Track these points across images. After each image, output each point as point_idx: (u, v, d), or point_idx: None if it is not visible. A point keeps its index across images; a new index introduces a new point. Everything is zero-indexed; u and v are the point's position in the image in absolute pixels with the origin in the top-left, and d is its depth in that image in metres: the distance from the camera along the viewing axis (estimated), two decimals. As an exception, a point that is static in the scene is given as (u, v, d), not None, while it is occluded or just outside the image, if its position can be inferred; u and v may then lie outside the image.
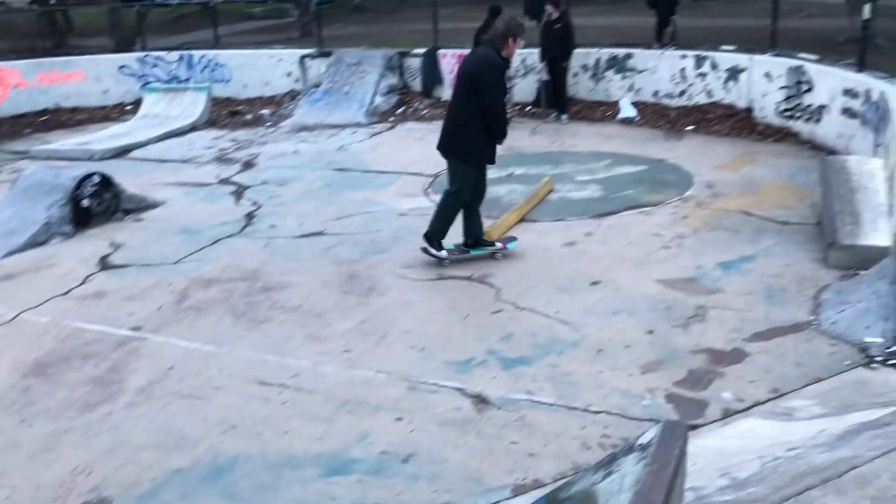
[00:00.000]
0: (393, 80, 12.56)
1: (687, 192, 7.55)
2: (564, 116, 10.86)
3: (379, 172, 8.73)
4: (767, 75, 9.70)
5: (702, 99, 10.61)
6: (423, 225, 6.20)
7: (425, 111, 12.00)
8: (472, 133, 5.60)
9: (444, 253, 5.89)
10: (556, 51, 10.53)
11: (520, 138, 10.06)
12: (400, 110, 12.00)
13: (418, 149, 9.75)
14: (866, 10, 8.23)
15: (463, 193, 5.82)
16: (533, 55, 11.76)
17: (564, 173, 8.35)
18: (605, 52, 11.40)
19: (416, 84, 12.69)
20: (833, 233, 5.75)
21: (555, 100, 10.95)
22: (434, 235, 5.88)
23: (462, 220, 5.94)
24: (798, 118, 9.29)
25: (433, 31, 12.86)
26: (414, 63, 12.67)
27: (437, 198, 6.43)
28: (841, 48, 10.51)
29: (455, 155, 5.75)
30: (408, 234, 6.67)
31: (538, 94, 11.48)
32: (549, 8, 10.49)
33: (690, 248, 6.16)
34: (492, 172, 8.26)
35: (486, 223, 6.60)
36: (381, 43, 14.72)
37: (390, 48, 13.34)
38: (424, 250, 5.90)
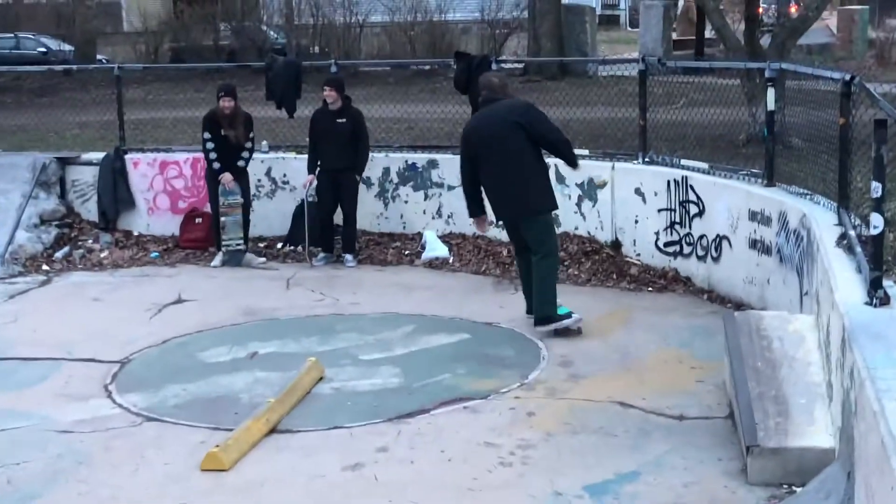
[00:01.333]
0: (48, 203, 12.51)
1: (532, 373, 7.80)
2: (350, 258, 11.23)
3: (23, 360, 8.49)
4: (639, 192, 10.56)
5: (548, 228, 11.37)
6: (105, 449, 6.44)
7: (105, 253, 11.97)
8: (543, 181, 8.53)
9: (574, 316, 8.57)
10: (342, 159, 10.96)
11: (266, 295, 10.21)
12: (61, 253, 11.92)
13: (93, 316, 9.67)
14: (771, 97, 9.27)
15: (554, 249, 8.69)
16: (284, 164, 12.16)
17: (341, 350, 8.45)
18: (398, 159, 12.04)
19: (90, 209, 12.69)
20: (752, 431, 6.05)
21: (325, 233, 11.28)
22: (550, 311, 8.48)
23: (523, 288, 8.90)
24: (687, 255, 10.09)
25: (118, 123, 13.04)
26: (85, 175, 12.73)
27: (129, 399, 7.50)
28: (741, 151, 11.80)
29: (536, 212, 8.51)
30: (75, 466, 6.38)
31: (296, 225, 11.72)
32: (327, 92, 11.03)
33: (542, 464, 6.26)
34: (223, 354, 8.24)
35: (213, 437, 6.59)
36: (30, 142, 14.58)
37: (43, 151, 13.27)
38: (555, 331, 8.48)
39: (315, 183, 11.21)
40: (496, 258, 11.06)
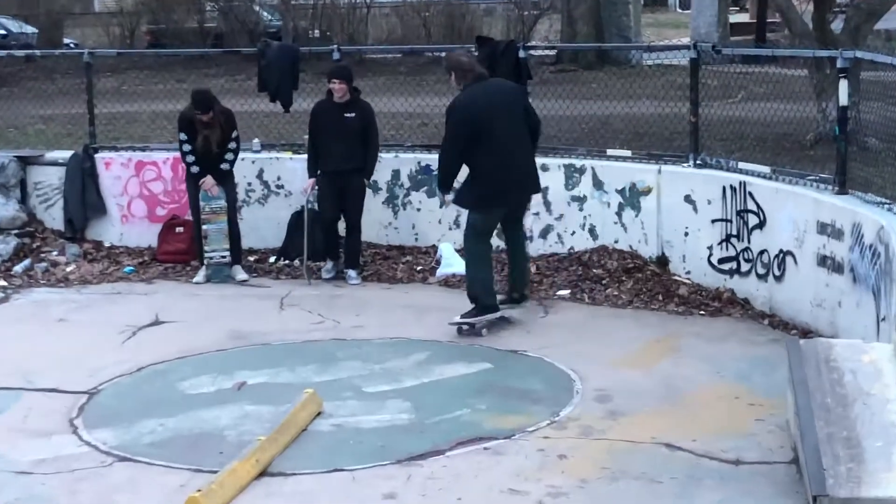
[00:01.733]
0: (7, 209, 12.58)
1: (564, 409, 7.79)
2: (353, 274, 11.26)
3: None
4: (689, 200, 10.56)
5: (581, 242, 11.33)
6: (69, 493, 6.51)
7: (71, 267, 12.01)
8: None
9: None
10: (350, 159, 11.01)
11: (257, 317, 10.23)
12: (20, 266, 11.95)
13: (57, 340, 9.69)
14: (843, 90, 9.25)
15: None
16: (278, 165, 12.21)
17: (343, 381, 8.45)
18: (409, 160, 12.07)
19: (55, 216, 12.75)
20: (819, 478, 6.02)
21: (328, 242, 11.32)
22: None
23: (510, 270, 9.97)
24: (745, 274, 10.07)
25: (88, 117, 13.06)
26: (49, 177, 12.77)
27: (97, 435, 7.52)
28: (809, 153, 11.77)
29: (540, 190, 10.19)
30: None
31: (292, 236, 11.76)
32: (337, 86, 11.06)
33: (575, 515, 6.25)
34: (206, 384, 8.30)
35: (194, 480, 6.60)
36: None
37: (1, 149, 13.34)
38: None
39: (316, 188, 11.24)
40: (523, 276, 11.09)
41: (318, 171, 11.18)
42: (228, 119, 11.36)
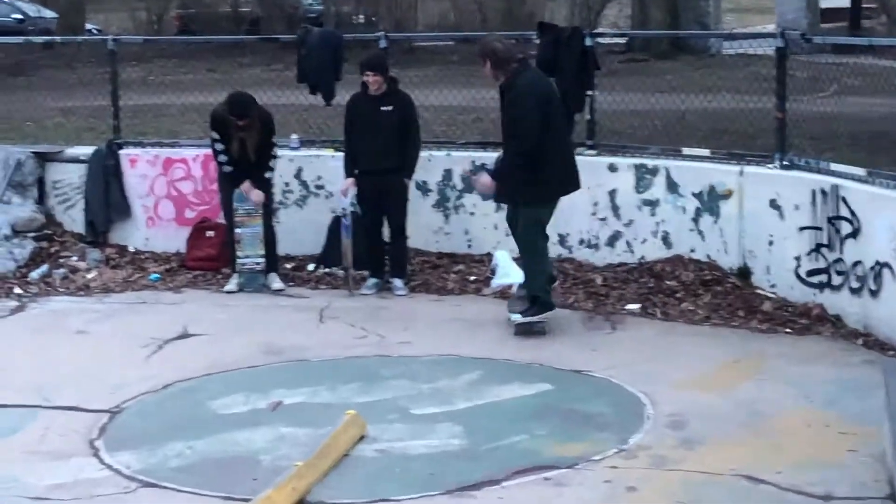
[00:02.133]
0: (23, 209, 12.69)
1: (633, 436, 7.77)
2: (400, 284, 11.30)
3: None
4: (775, 205, 10.51)
5: (653, 251, 11.30)
6: None
7: (92, 273, 12.10)
8: None
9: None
10: (388, 157, 11.06)
11: (294, 330, 10.27)
12: (38, 272, 12.05)
13: (77, 353, 9.76)
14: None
15: None
16: (319, 164, 12.29)
17: (388, 402, 8.46)
18: (462, 158, 12.05)
19: (75, 217, 12.89)
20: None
21: (373, 253, 11.37)
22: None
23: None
24: (837, 288, 9.99)
25: (112, 110, 13.20)
26: (70, 175, 12.91)
27: (120, 458, 7.53)
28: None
29: None
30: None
31: (333, 241, 11.81)
32: (371, 78, 11.09)
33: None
34: (238, 404, 8.34)
35: None
36: (0, 133, 14.78)
37: (17, 144, 13.46)
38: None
39: (355, 189, 11.30)
40: (587, 287, 11.07)
41: (356, 171, 11.23)
42: (267, 124, 11.40)
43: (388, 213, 11.22)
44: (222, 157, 11.30)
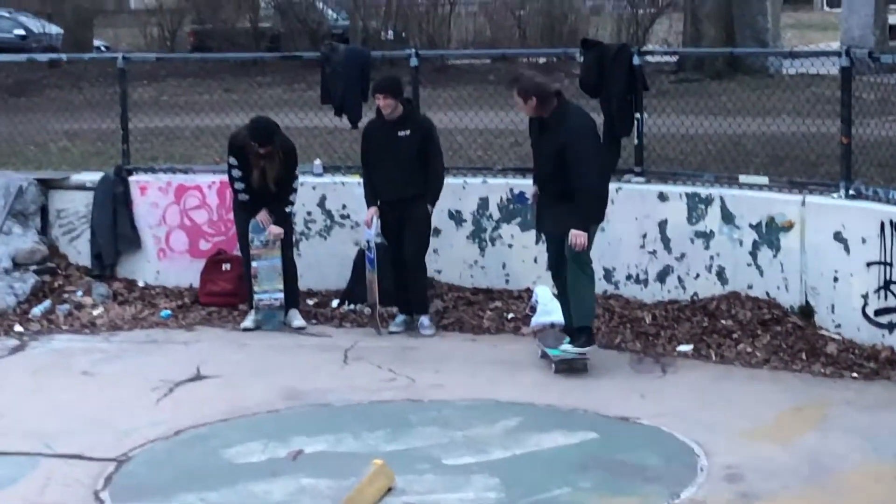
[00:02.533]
0: (25, 240, 12.72)
1: (685, 490, 7.73)
2: (426, 321, 11.30)
3: None
4: (840, 238, 10.45)
5: (706, 287, 11.27)
6: None
7: (99, 310, 12.14)
8: None
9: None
10: (408, 185, 11.10)
11: (316, 372, 10.27)
12: (40, 308, 12.10)
13: (82, 396, 9.78)
14: None
15: None
16: (344, 192, 12.35)
17: (418, 451, 8.46)
18: (499, 186, 12.09)
19: (80, 249, 12.92)
20: None
21: (399, 288, 11.39)
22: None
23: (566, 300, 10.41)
24: (911, 328, 9.96)
25: (121, 133, 13.24)
26: (75, 203, 12.97)
27: None
28: None
29: None
30: None
31: (358, 275, 11.85)
32: (382, 101, 11.12)
33: None
34: (256, 452, 8.36)
35: None
36: (1, 158, 14.85)
37: (19, 170, 13.53)
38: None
39: (378, 220, 11.30)
40: (635, 326, 11.05)
41: (378, 201, 11.26)
42: (289, 154, 11.41)
43: (408, 244, 11.17)
44: (239, 185, 11.33)
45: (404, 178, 11.04)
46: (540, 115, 10.02)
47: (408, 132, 11.09)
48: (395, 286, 11.37)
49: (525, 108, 10.06)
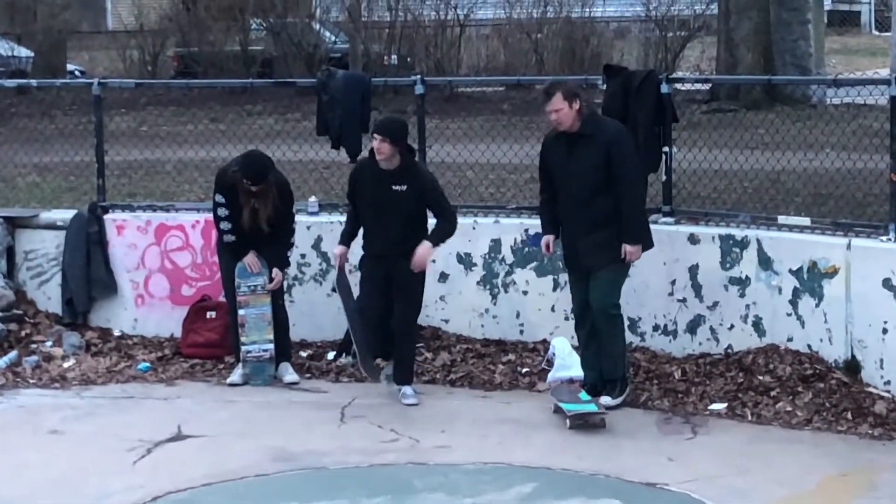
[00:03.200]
0: (-12, 284, 12.65)
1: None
2: (409, 391, 11.04)
3: None
4: (890, 286, 10.46)
5: (742, 339, 11.29)
6: None
7: (70, 362, 12.15)
8: None
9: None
10: (400, 244, 10.70)
11: (310, 432, 10.27)
12: (4, 360, 12.10)
13: (50, 458, 9.77)
14: None
15: None
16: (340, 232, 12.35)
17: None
18: (513, 226, 12.13)
19: (50, 294, 13.00)
20: None
21: (383, 343, 11.14)
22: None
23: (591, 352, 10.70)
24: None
25: (96, 166, 13.28)
26: (45, 244, 13.02)
27: None
28: None
29: None
30: None
31: (353, 330, 11.84)
32: (378, 144, 10.66)
33: None
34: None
35: None
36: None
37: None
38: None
39: (346, 262, 11.08)
40: (663, 382, 11.06)
41: (364, 252, 11.05)
42: (283, 193, 11.39)
43: (397, 305, 10.90)
44: (225, 225, 11.32)
45: (396, 236, 10.69)
46: (572, 127, 10.19)
47: (404, 187, 10.63)
48: (378, 339, 11.08)
49: (566, 115, 10.18)
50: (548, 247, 10.62)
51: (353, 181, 11.07)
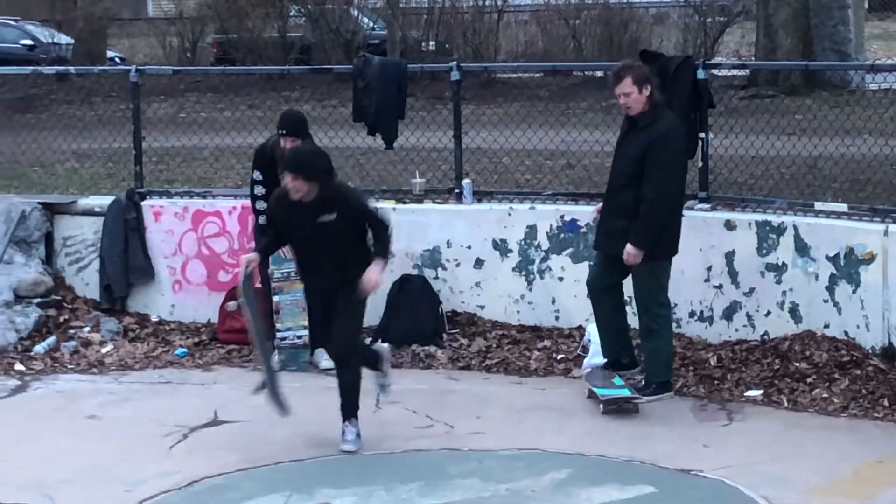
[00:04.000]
0: (27, 270, 12.80)
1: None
2: (351, 432, 9.60)
3: None
4: (929, 271, 10.44)
5: (778, 326, 11.27)
6: None
7: (108, 347, 12.19)
8: None
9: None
10: (339, 273, 9.53)
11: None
12: (43, 345, 12.16)
13: (87, 443, 9.80)
14: None
15: None
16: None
17: (454, 506, 8.44)
18: (549, 213, 12.10)
19: (88, 280, 13.04)
20: None
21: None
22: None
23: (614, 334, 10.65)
24: None
25: (134, 153, 13.32)
26: (83, 230, 13.06)
27: None
28: None
29: None
30: None
31: (392, 310, 11.97)
32: (291, 182, 9.29)
33: None
34: None
35: None
36: (3, 180, 14.96)
37: (22, 194, 13.67)
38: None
39: (252, 269, 9.96)
40: (699, 369, 11.04)
41: (305, 287, 10.44)
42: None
43: (334, 327, 9.66)
44: (261, 204, 11.28)
45: (338, 266, 9.48)
46: (642, 110, 10.10)
47: (333, 216, 9.32)
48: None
49: (636, 99, 10.09)
50: (597, 212, 10.63)
51: (273, 214, 9.82)
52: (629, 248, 9.96)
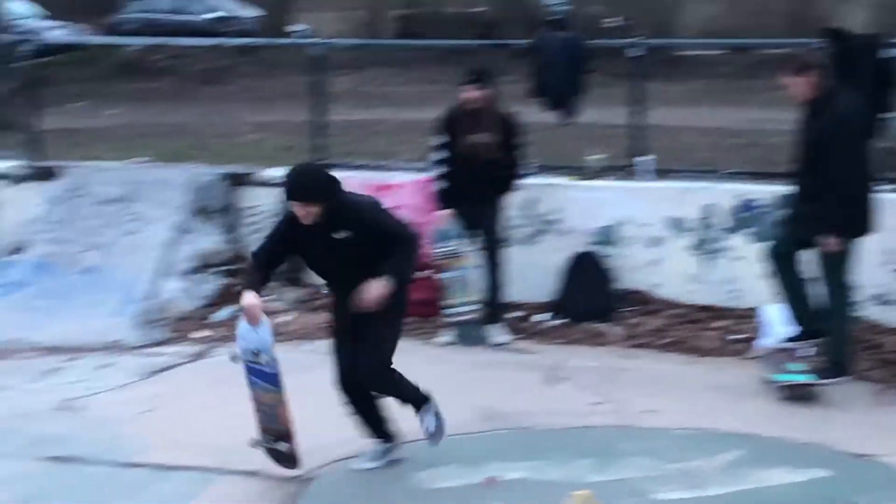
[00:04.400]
0: (209, 239, 13.10)
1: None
2: (371, 453, 9.09)
3: (159, 468, 8.81)
4: None
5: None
6: None
7: (289, 316, 12.41)
8: None
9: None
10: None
11: (517, 393, 10.34)
12: (224, 313, 12.38)
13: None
14: None
15: None
16: (555, 194, 12.36)
17: (626, 483, 8.46)
18: (726, 192, 12.08)
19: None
20: None
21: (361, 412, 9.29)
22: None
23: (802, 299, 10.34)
24: None
25: (315, 126, 13.56)
26: (265, 200, 13.25)
27: None
28: None
29: None
30: None
31: (569, 287, 11.99)
32: (299, 208, 8.48)
33: None
34: (450, 477, 8.44)
35: None
36: (187, 151, 15.22)
37: (206, 164, 13.98)
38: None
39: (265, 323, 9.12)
40: (879, 353, 10.93)
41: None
42: (508, 124, 11.57)
43: (358, 355, 9.02)
44: (440, 169, 11.39)
45: (354, 283, 8.66)
46: (814, 96, 9.96)
47: (349, 233, 8.56)
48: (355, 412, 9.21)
49: (797, 89, 9.99)
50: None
51: (284, 232, 8.81)
52: (824, 238, 9.85)
